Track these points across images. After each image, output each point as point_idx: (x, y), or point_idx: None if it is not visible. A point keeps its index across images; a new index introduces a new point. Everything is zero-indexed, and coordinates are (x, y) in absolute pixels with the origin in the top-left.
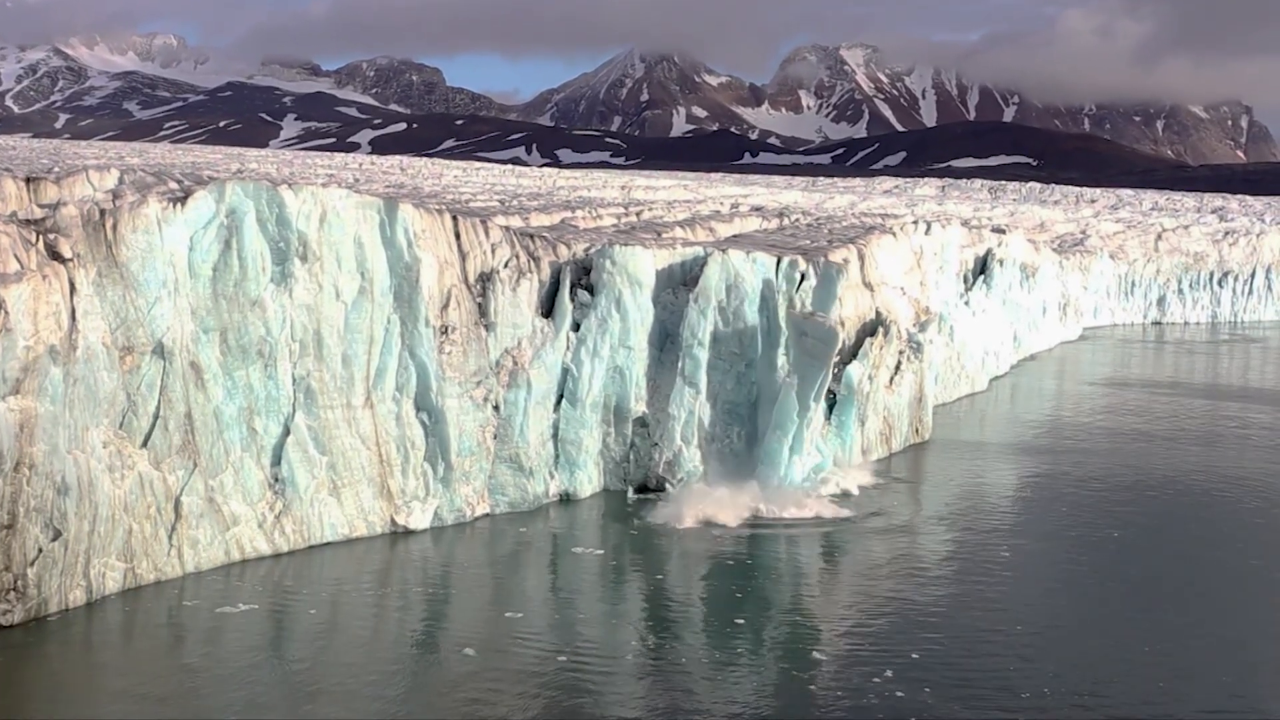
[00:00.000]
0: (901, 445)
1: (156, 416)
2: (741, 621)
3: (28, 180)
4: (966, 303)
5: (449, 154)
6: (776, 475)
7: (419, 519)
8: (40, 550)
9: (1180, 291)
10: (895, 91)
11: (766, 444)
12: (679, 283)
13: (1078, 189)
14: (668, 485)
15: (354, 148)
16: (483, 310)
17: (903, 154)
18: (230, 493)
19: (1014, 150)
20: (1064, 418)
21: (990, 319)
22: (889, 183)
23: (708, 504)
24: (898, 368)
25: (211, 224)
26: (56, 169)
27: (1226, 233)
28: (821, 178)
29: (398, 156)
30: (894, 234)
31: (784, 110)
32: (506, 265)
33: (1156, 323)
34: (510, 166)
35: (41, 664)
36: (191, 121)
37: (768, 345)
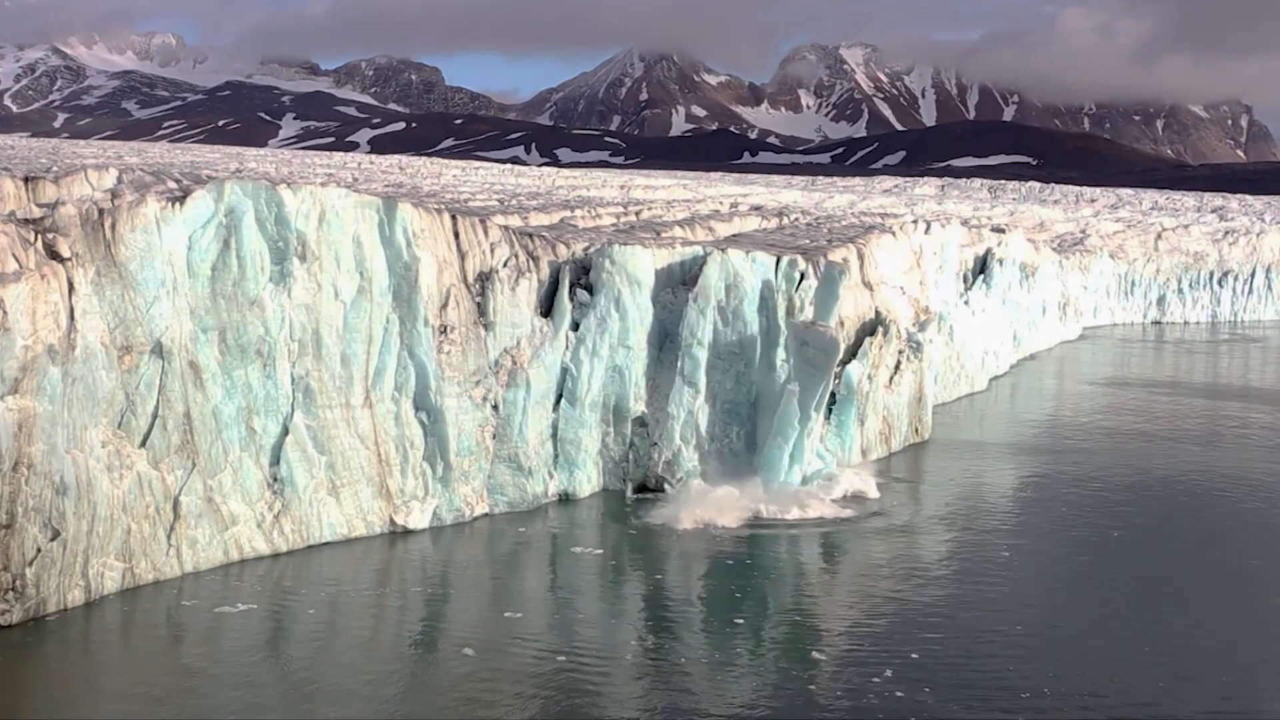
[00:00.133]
0: (901, 445)
1: (155, 416)
2: (741, 621)
3: (26, 179)
4: (966, 302)
5: (448, 153)
6: (776, 481)
7: (418, 519)
8: (39, 550)
9: (1180, 291)
10: (895, 91)
11: (766, 451)
12: (678, 282)
13: (1077, 188)
14: (667, 485)
15: (353, 147)
16: (482, 310)
17: (902, 153)
18: (229, 492)
19: (1014, 150)
20: (1064, 417)
21: (990, 318)
22: (888, 182)
23: (707, 504)
24: (897, 367)
25: (210, 223)
26: (55, 168)
27: (1226, 232)
28: (821, 177)
29: (397, 156)
30: (893, 233)
31: (783, 110)
32: (505, 265)
33: (1156, 322)
34: (509, 166)
35: (40, 664)
36: (190, 121)
37: (767, 345)
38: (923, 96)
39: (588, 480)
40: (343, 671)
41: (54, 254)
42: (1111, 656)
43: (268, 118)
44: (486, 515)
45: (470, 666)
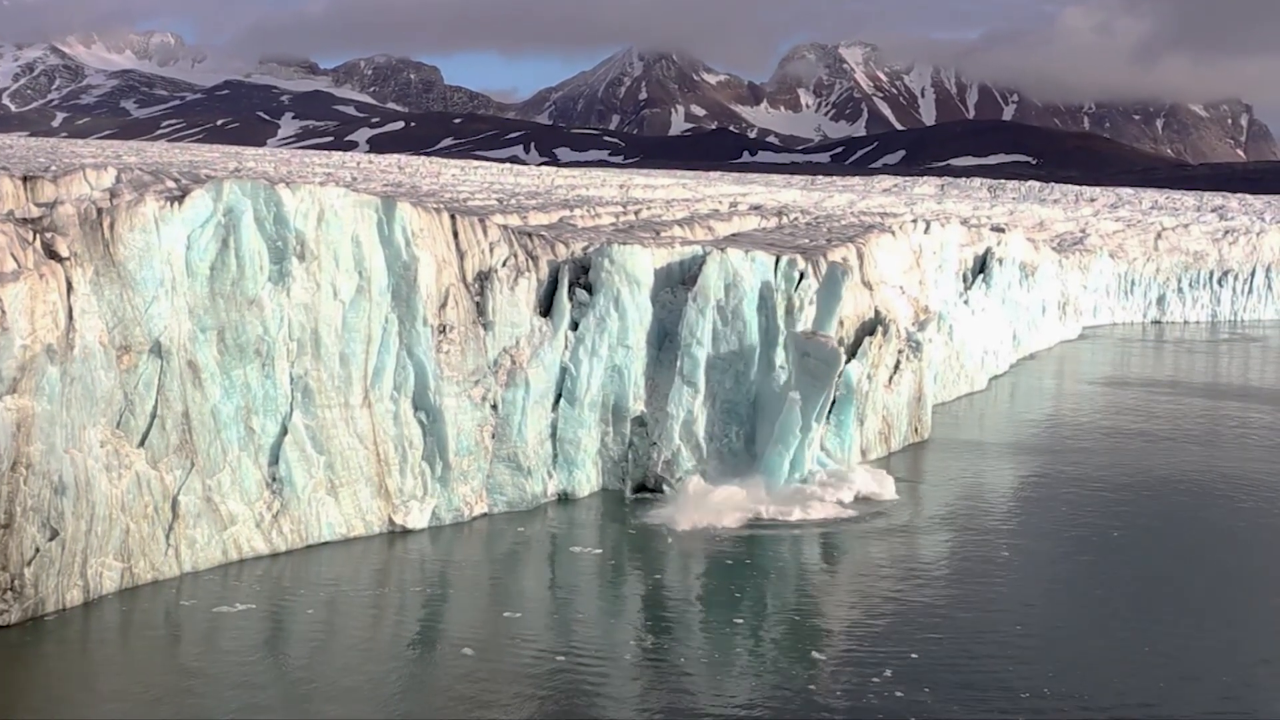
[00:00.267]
0: (900, 445)
1: (154, 416)
2: (740, 621)
3: (25, 179)
4: (966, 302)
5: (447, 153)
6: (776, 485)
7: (417, 518)
8: (37, 550)
9: (1180, 290)
10: (894, 90)
11: (767, 458)
12: (677, 282)
13: (1077, 188)
14: (666, 485)
15: (352, 146)
16: (481, 309)
17: (902, 152)
18: (228, 492)
19: (1013, 149)
20: (1063, 417)
21: (989, 318)
22: (888, 181)
23: (706, 504)
24: (897, 367)
25: (209, 223)
26: (53, 168)
27: (1226, 231)
28: (820, 176)
29: (395, 155)
30: (893, 233)
31: (783, 109)
32: (505, 264)
33: (1156, 322)
34: (508, 165)
35: (38, 664)
36: (189, 120)
37: (766, 344)
38: (922, 96)
39: (587, 480)
40: (341, 671)
41: (52, 253)
42: (1111, 657)
43: (266, 117)
44: (485, 515)
45: (469, 666)
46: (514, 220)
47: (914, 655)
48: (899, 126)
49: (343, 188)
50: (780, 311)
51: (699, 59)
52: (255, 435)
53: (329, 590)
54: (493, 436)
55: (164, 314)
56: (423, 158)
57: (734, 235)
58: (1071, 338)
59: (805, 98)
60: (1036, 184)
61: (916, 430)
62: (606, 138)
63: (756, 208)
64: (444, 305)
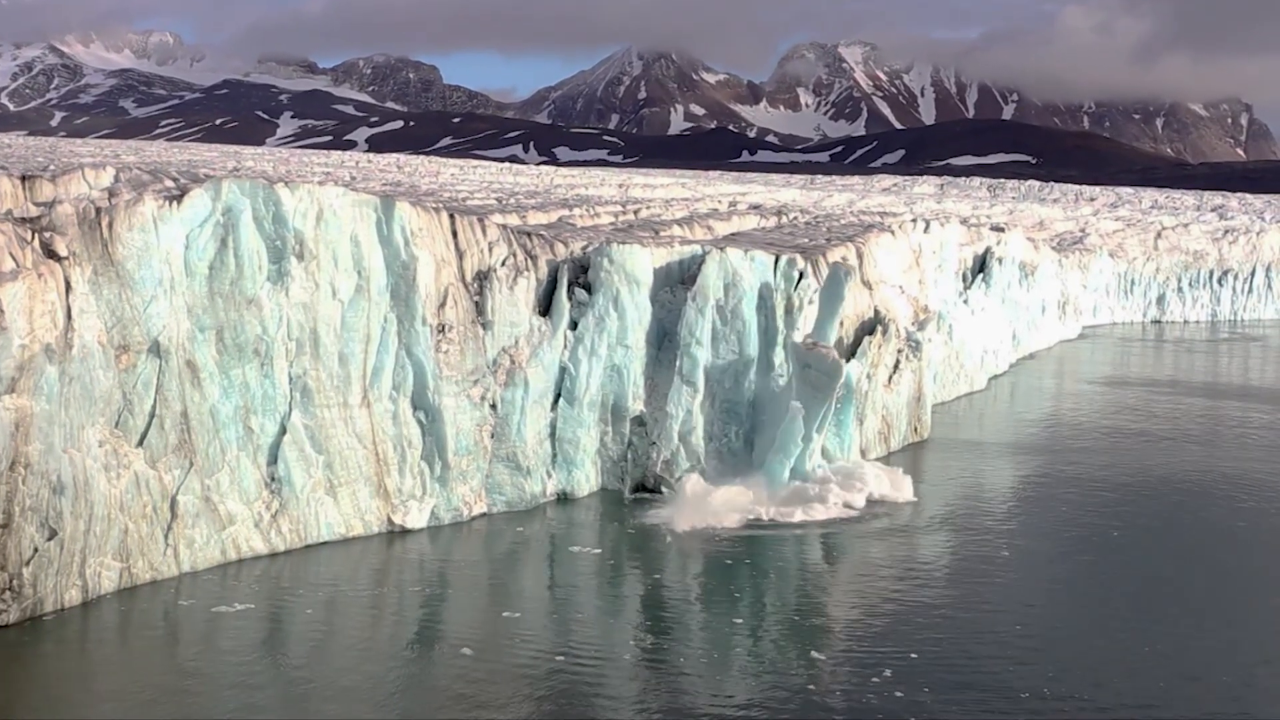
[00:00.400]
0: (900, 444)
1: (152, 415)
2: (739, 621)
3: (23, 178)
4: (965, 301)
5: (446, 152)
6: (776, 487)
7: (416, 518)
8: (36, 550)
9: (1180, 290)
10: (894, 89)
11: (768, 465)
12: (677, 281)
13: (1077, 187)
14: (665, 484)
15: (351, 145)
16: (480, 309)
17: (901, 152)
18: (226, 492)
19: (1013, 148)
20: (1063, 417)
21: (989, 317)
22: (887, 181)
23: (705, 503)
24: (896, 366)
25: (208, 222)
26: (52, 167)
27: (1226, 231)
28: (820, 176)
29: (394, 154)
30: (892, 232)
31: (782, 108)
32: (504, 264)
33: (1156, 321)
34: (507, 164)
35: (37, 664)
36: (187, 119)
37: (766, 344)
38: (922, 95)
39: (586, 480)
40: (340, 671)
41: (51, 253)
42: (1111, 657)
43: (265, 116)
44: (484, 515)
45: (468, 666)
46: (513, 220)
47: (914, 655)
48: (898, 126)
49: (341, 187)
50: (780, 311)
51: (698, 58)
52: (254, 435)
53: (328, 590)
54: (492, 436)
55: (162, 313)
56: (422, 157)
57: (733, 235)
58: (1071, 337)
59: (805, 97)
60: (1036, 183)
61: (916, 430)
62: (605, 137)
63: (756, 207)
64: (443, 305)
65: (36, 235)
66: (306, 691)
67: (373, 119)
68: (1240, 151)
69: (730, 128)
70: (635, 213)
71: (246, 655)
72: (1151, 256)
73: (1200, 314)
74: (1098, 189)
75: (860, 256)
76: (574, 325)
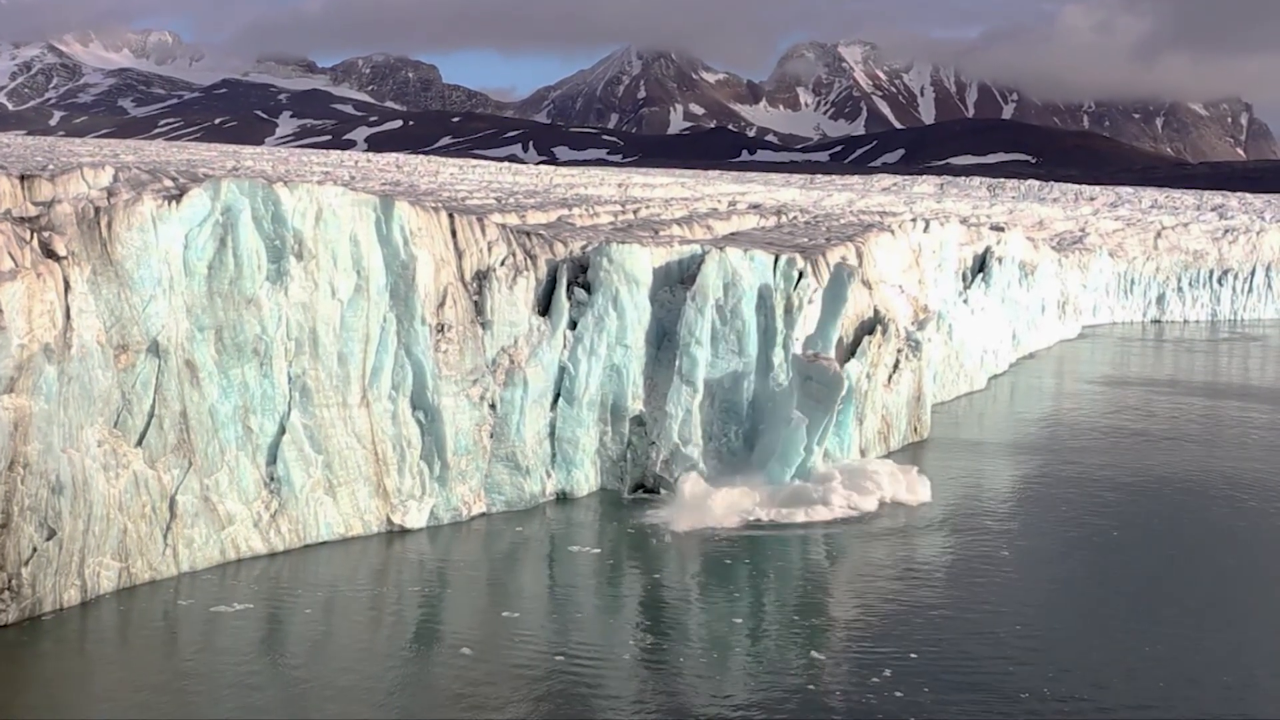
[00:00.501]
0: (900, 444)
1: (151, 415)
2: (739, 621)
3: (22, 178)
4: (965, 301)
5: (445, 151)
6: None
7: (415, 518)
8: (35, 549)
9: (1180, 289)
10: (893, 89)
11: (769, 470)
12: (676, 281)
13: (1077, 186)
14: (664, 484)
15: (350, 145)
16: (479, 308)
17: (901, 151)
18: (225, 492)
19: (1013, 148)
20: (1063, 416)
21: (989, 317)
22: (887, 180)
23: (705, 503)
24: (896, 366)
25: (206, 222)
26: (51, 166)
27: (1226, 230)
28: (819, 175)
29: (394, 154)
30: (892, 232)
31: (782, 107)
32: (503, 263)
33: (1156, 321)
34: (507, 164)
35: (36, 664)
36: (186, 119)
37: (765, 344)
38: (921, 94)
39: (585, 479)
40: (339, 671)
41: (50, 252)
42: (1111, 657)
43: (264, 116)
44: (484, 514)
45: (467, 666)
46: (512, 219)
47: (913, 655)
48: (898, 125)
49: (341, 187)
50: (779, 311)
51: (698, 58)
52: (253, 435)
53: (327, 590)
54: (491, 436)
55: (161, 313)
56: (421, 156)
57: (733, 234)
58: (1071, 337)
59: (804, 96)
60: (1036, 183)
61: (916, 430)
62: (605, 136)
63: (755, 207)
64: (442, 304)
65: (35, 235)
66: (306, 691)
67: (372, 118)
68: (1240, 151)
69: (730, 127)
70: (635, 212)
71: (245, 655)
72: (1151, 256)
73: (1200, 314)
74: (1097, 188)
75: (860, 256)
76: (573, 325)
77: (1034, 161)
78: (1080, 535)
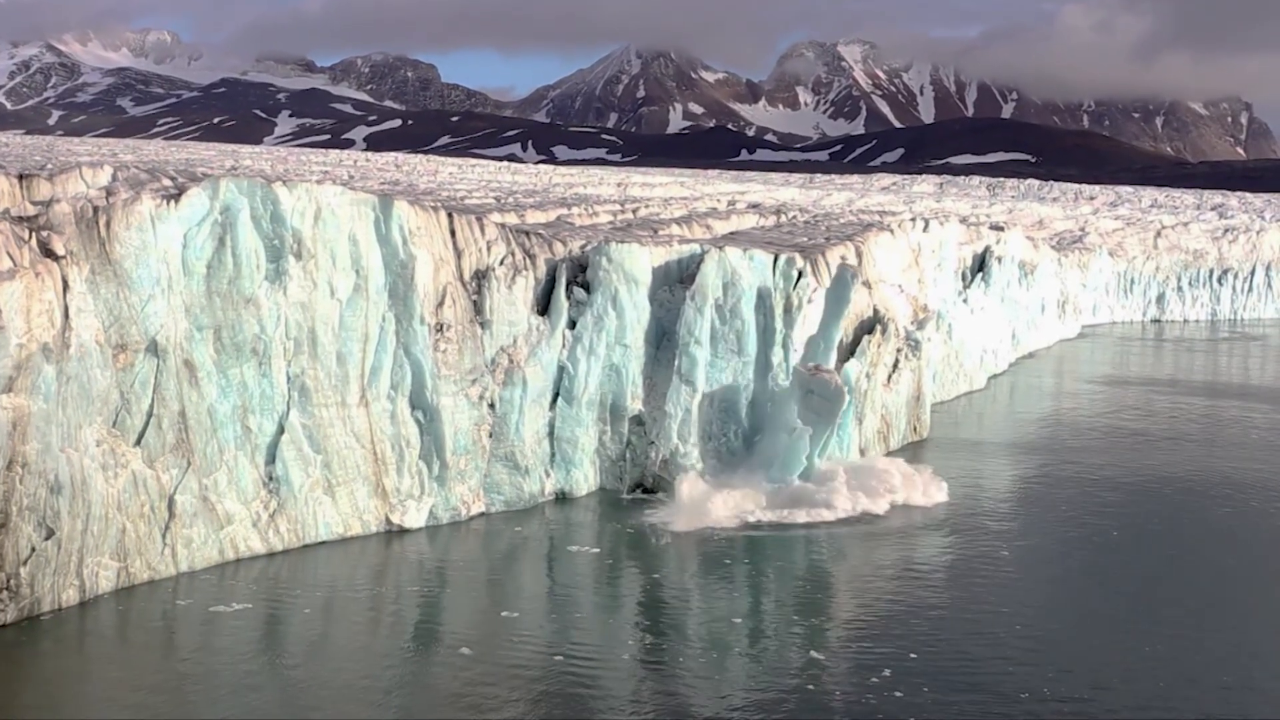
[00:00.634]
0: (899, 444)
1: (150, 415)
2: (738, 621)
3: (20, 177)
4: (965, 300)
5: (444, 151)
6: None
7: (414, 518)
8: (33, 549)
9: (1179, 289)
10: (893, 88)
11: (770, 474)
12: (675, 280)
13: (1076, 186)
14: (663, 484)
15: (349, 144)
16: (478, 308)
17: (900, 151)
18: (224, 491)
19: (1012, 147)
20: (1063, 416)
21: (988, 317)
22: (887, 179)
23: (704, 503)
24: (896, 366)
25: (205, 221)
26: (50, 166)
27: (1226, 230)
28: (819, 174)
29: (393, 153)
30: (892, 231)
31: (781, 107)
32: (502, 263)
33: (1156, 320)
34: (506, 163)
35: (34, 663)
36: (185, 118)
37: (765, 343)
38: (921, 94)
39: (584, 479)
40: (338, 671)
41: (49, 252)
42: (1111, 657)
43: (263, 115)
44: (483, 514)
45: (466, 666)
46: (511, 219)
47: (913, 655)
48: (898, 124)
49: (340, 186)
50: (779, 310)
51: (697, 57)
52: (252, 434)
53: (326, 590)
54: (490, 436)
55: (160, 313)
56: (420, 156)
57: (732, 234)
58: (1071, 336)
59: (804, 96)
60: (1036, 182)
61: (915, 429)
62: (604, 136)
63: (755, 206)
64: (441, 304)
65: (34, 234)
66: (304, 691)
67: (371, 118)
68: (1240, 150)
69: (729, 126)
70: (634, 212)
71: (244, 655)
72: (1151, 255)
73: (1200, 313)
74: (1097, 188)
75: (859, 255)
76: (572, 324)
77: (1034, 161)
78: (1080, 535)
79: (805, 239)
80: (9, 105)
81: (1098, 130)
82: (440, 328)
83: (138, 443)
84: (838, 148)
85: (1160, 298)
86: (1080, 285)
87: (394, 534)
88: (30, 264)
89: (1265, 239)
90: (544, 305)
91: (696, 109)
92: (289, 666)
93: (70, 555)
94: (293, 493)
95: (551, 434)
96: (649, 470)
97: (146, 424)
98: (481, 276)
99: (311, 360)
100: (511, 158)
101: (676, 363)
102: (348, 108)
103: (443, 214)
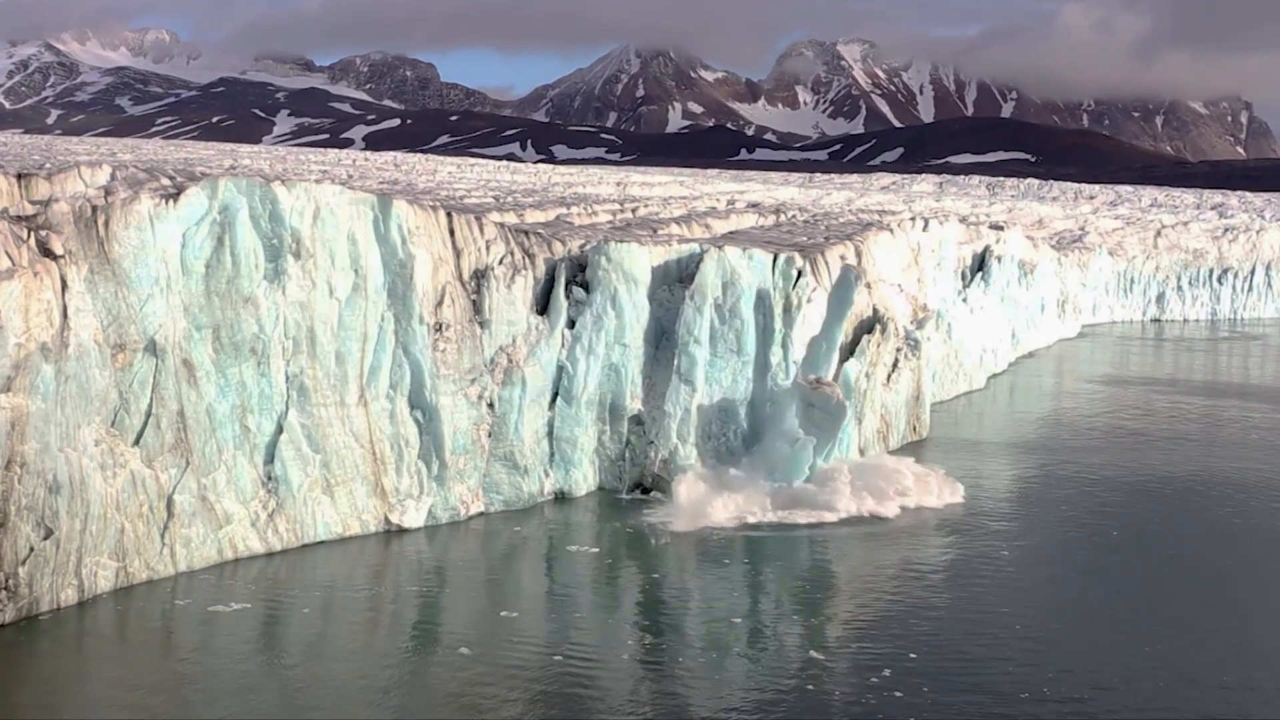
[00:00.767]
0: (899, 443)
1: (149, 414)
2: (738, 621)
3: (19, 176)
4: (964, 300)
5: (443, 150)
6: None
7: (413, 517)
8: (32, 549)
9: (1179, 288)
10: (893, 87)
11: (772, 476)
12: (675, 280)
13: (1076, 185)
14: (663, 484)
15: (348, 144)
16: (477, 307)
17: (900, 150)
18: (223, 491)
19: (1012, 146)
20: (1062, 416)
21: (988, 316)
22: (886, 179)
23: (703, 503)
24: (895, 365)
25: (204, 221)
26: (48, 165)
27: (1226, 229)
28: (818, 174)
29: (392, 153)
30: (891, 231)
31: (781, 106)
32: (501, 262)
33: (1156, 320)
34: (505, 163)
35: (33, 663)
36: (184, 117)
37: (764, 343)
38: (921, 93)
39: (584, 479)
40: (337, 671)
41: (47, 251)
42: (1111, 657)
43: (262, 114)
44: (482, 514)
45: (466, 666)
46: (511, 218)
47: (913, 655)
48: (897, 124)
49: (338, 185)
50: (778, 310)
51: (696, 56)
52: (251, 434)
53: (324, 590)
54: (489, 435)
55: (159, 312)
56: (419, 155)
57: (731, 233)
58: (1070, 336)
59: (803, 95)
60: (1035, 181)
61: (915, 429)
62: (603, 135)
63: (754, 205)
64: (440, 303)
65: (32, 233)
66: (303, 691)
67: (370, 117)
68: (1240, 149)
69: (728, 126)
70: (633, 211)
71: (243, 655)
72: (1151, 255)
73: (1200, 312)
74: (1097, 187)
75: (859, 255)
76: (572, 324)
77: (1033, 160)
78: (1080, 535)
79: (805, 238)
80: (7, 104)
81: (1097, 130)
82: (439, 327)
83: (136, 442)
84: (837, 147)
85: (1160, 297)
86: (1080, 285)
87: (393, 534)
88: (29, 263)
89: (1265, 238)
90: (543, 305)
91: (696, 108)
92: (288, 666)
93: (69, 555)
94: (291, 492)
95: (551, 434)
96: (648, 470)
97: (145, 424)
98: (480, 276)
99: (310, 360)
100: (511, 157)
101: (676, 362)
102: (346, 107)
103: (442, 213)
